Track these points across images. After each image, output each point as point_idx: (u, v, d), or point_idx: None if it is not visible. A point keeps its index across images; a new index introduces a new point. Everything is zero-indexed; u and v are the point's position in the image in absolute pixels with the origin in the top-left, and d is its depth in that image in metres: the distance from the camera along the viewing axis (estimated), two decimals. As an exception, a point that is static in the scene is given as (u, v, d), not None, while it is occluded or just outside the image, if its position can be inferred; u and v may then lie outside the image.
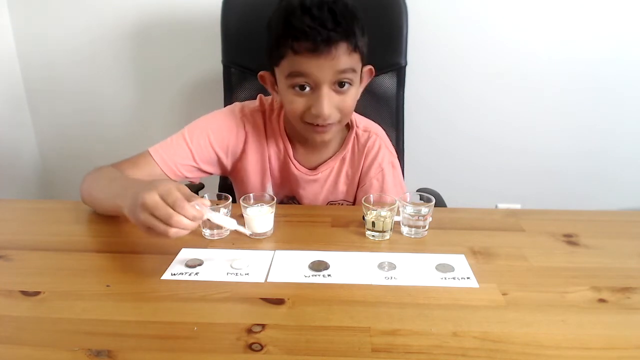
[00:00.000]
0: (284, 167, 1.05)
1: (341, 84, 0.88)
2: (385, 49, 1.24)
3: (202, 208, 0.70)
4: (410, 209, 0.85)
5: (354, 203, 1.08)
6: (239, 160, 1.05)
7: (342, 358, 0.57)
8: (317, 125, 0.91)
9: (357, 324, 0.63)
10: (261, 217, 0.85)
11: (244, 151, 1.04)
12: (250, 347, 0.58)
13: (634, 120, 1.63)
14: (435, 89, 1.61)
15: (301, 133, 0.98)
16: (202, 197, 0.74)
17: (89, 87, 1.69)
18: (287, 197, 1.08)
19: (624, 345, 0.59)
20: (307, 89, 0.88)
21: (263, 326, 0.62)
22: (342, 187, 1.06)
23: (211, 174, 1.06)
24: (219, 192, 0.89)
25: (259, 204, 0.87)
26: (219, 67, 1.31)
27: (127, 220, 0.94)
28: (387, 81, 1.27)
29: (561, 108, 1.62)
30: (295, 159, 1.04)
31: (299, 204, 1.08)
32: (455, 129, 1.67)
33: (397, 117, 1.28)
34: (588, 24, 1.50)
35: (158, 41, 1.60)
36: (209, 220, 0.84)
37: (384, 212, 0.83)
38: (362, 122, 1.07)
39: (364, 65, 0.93)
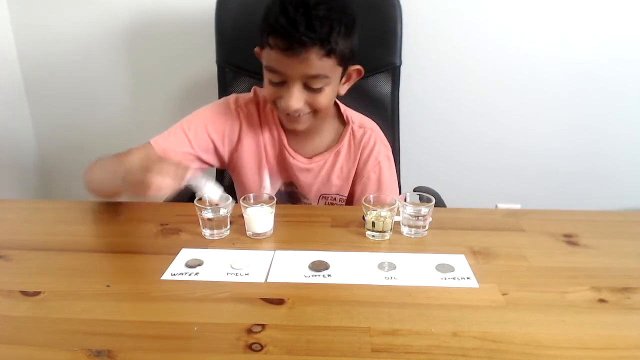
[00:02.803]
0: (280, 155, 1.07)
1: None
2: (380, 49, 1.23)
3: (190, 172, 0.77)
4: (410, 209, 0.85)
5: (348, 198, 1.09)
6: (235, 150, 1.07)
7: (342, 358, 0.57)
8: (288, 114, 0.94)
9: (357, 324, 0.63)
10: (261, 217, 0.85)
11: (239, 140, 1.06)
12: (250, 347, 0.58)
13: (634, 121, 1.62)
14: (430, 89, 1.61)
15: (279, 118, 1.03)
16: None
17: (85, 86, 1.68)
18: (286, 183, 1.10)
19: (624, 345, 0.59)
20: (281, 83, 0.91)
21: (263, 326, 0.62)
22: (335, 180, 1.07)
23: (211, 165, 1.08)
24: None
25: (259, 204, 0.87)
26: (214, 68, 1.31)
27: (127, 219, 0.94)
28: (382, 81, 1.27)
29: (561, 108, 1.62)
30: (290, 146, 1.06)
31: (298, 190, 1.09)
32: (452, 128, 1.67)
33: (392, 117, 1.28)
34: (587, 23, 1.50)
35: (153, 41, 1.60)
36: (209, 220, 0.84)
37: (384, 212, 0.83)
38: (357, 119, 1.09)
39: (346, 66, 0.93)
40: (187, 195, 1.20)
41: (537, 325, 0.62)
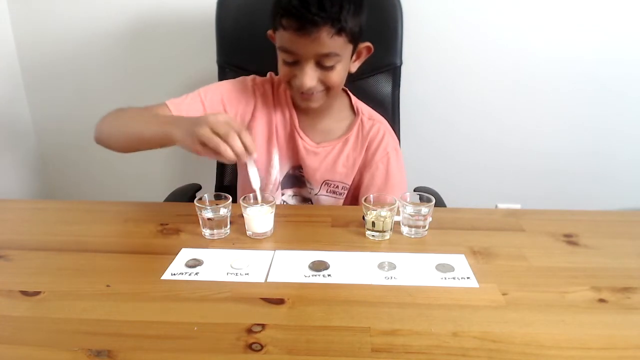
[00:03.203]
0: (290, 136, 1.09)
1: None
2: (381, 49, 1.22)
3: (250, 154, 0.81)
4: (410, 209, 0.85)
5: (355, 188, 1.10)
6: (247, 127, 1.08)
7: (342, 358, 0.57)
8: (303, 92, 0.97)
9: (357, 324, 0.63)
10: (261, 217, 0.85)
11: (253, 117, 1.08)
12: (250, 347, 0.58)
13: (634, 121, 1.62)
14: (430, 89, 1.61)
15: (293, 98, 1.05)
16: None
17: (85, 85, 1.69)
18: (294, 167, 1.11)
19: (624, 345, 0.59)
20: (294, 62, 0.94)
21: (263, 326, 0.62)
22: (341, 168, 1.08)
23: None
24: (216, 192, 0.89)
25: (259, 204, 0.87)
26: (214, 67, 1.32)
27: (127, 219, 0.94)
28: (383, 81, 1.27)
29: (561, 108, 1.62)
30: (300, 128, 1.08)
31: (303, 174, 1.09)
32: (453, 128, 1.67)
33: (393, 117, 1.28)
34: (587, 23, 1.50)
35: (154, 41, 1.60)
36: (209, 220, 0.84)
37: (384, 212, 0.83)
38: (367, 111, 1.12)
39: (356, 43, 0.97)
40: (187, 195, 1.21)
41: (537, 325, 0.62)
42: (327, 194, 1.10)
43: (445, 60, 1.57)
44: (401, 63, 1.25)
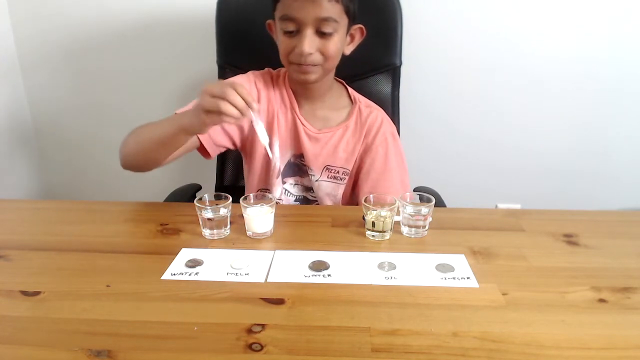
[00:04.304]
0: (291, 123, 1.10)
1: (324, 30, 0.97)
2: (380, 49, 1.24)
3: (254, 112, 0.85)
4: (410, 209, 0.85)
5: (356, 172, 1.11)
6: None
7: (342, 358, 0.57)
8: (301, 64, 0.99)
9: (357, 324, 0.63)
10: (261, 217, 0.85)
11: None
12: (250, 347, 0.58)
13: (634, 120, 1.62)
14: (430, 89, 1.61)
15: (291, 76, 1.09)
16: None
17: (85, 86, 1.68)
18: (295, 155, 1.12)
19: (624, 345, 0.59)
20: (294, 32, 0.98)
21: (263, 326, 0.62)
22: (341, 153, 1.10)
23: (232, 139, 1.10)
24: (216, 192, 0.89)
25: (259, 204, 0.87)
26: (214, 67, 1.32)
27: (127, 219, 0.94)
28: (382, 81, 1.27)
29: (561, 108, 1.62)
30: (301, 115, 1.10)
31: (305, 162, 1.10)
32: (453, 128, 1.66)
33: (392, 117, 1.27)
34: (587, 22, 1.50)
35: (154, 41, 1.60)
36: (209, 220, 0.84)
37: (384, 212, 0.83)
38: (364, 100, 1.16)
39: (351, 21, 1.01)
40: (187, 195, 1.21)
41: (537, 325, 0.63)
42: (328, 179, 1.11)
43: (445, 60, 1.57)
44: (401, 63, 1.25)
